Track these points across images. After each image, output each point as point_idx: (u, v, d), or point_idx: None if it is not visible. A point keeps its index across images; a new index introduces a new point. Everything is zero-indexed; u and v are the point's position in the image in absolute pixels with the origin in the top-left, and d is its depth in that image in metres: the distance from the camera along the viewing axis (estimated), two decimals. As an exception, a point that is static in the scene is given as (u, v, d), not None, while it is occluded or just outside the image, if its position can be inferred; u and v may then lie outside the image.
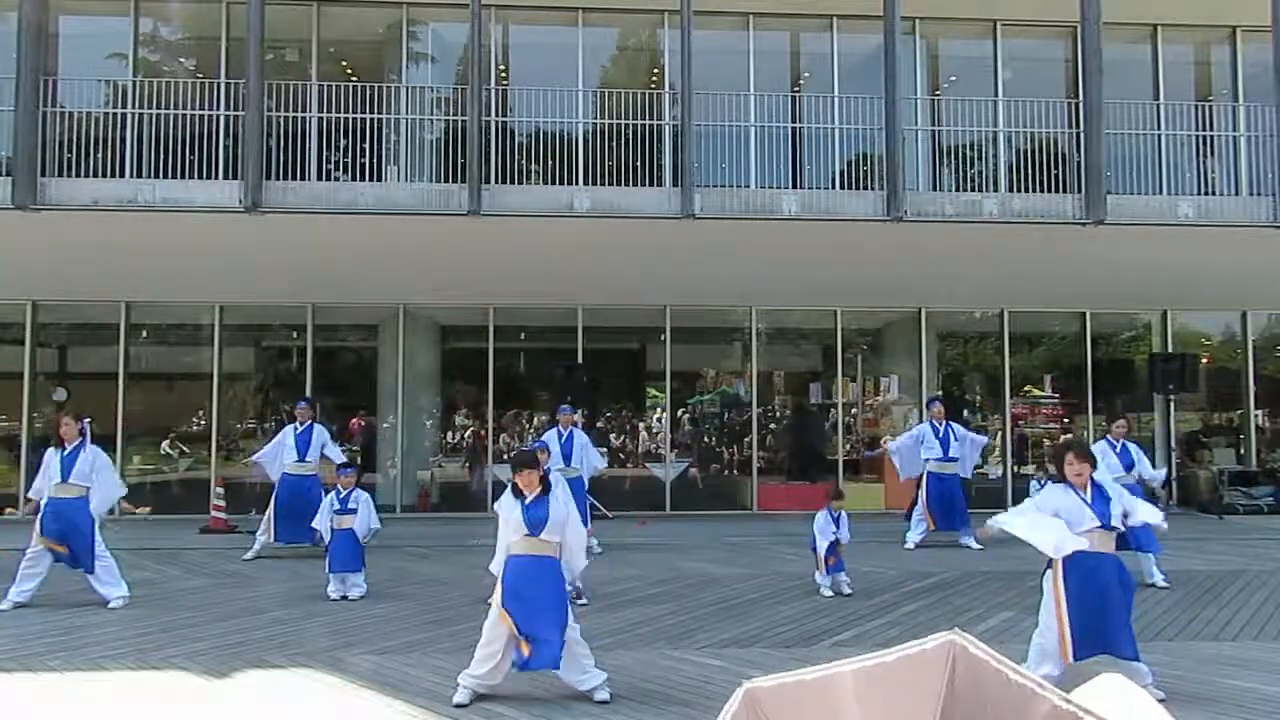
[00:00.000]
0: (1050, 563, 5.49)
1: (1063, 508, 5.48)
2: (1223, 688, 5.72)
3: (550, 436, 10.44)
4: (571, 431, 10.72)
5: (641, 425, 16.28)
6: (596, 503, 13.72)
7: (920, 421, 12.61)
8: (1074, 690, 1.46)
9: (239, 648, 6.64)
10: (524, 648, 5.24)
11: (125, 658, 6.38)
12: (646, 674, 5.96)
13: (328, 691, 5.67)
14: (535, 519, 5.48)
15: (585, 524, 10.58)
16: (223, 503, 12.61)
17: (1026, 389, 16.15)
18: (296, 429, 10.68)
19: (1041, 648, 5.48)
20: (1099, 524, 5.44)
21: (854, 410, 15.75)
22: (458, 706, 5.29)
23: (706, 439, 16.20)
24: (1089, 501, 5.49)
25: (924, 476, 11.38)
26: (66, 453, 7.99)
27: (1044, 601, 5.53)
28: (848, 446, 15.36)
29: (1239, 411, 16.28)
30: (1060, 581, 5.40)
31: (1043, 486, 6.03)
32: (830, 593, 8.46)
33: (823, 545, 8.46)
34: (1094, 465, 5.65)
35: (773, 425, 15.98)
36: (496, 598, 5.43)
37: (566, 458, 10.33)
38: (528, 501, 5.52)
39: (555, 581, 5.49)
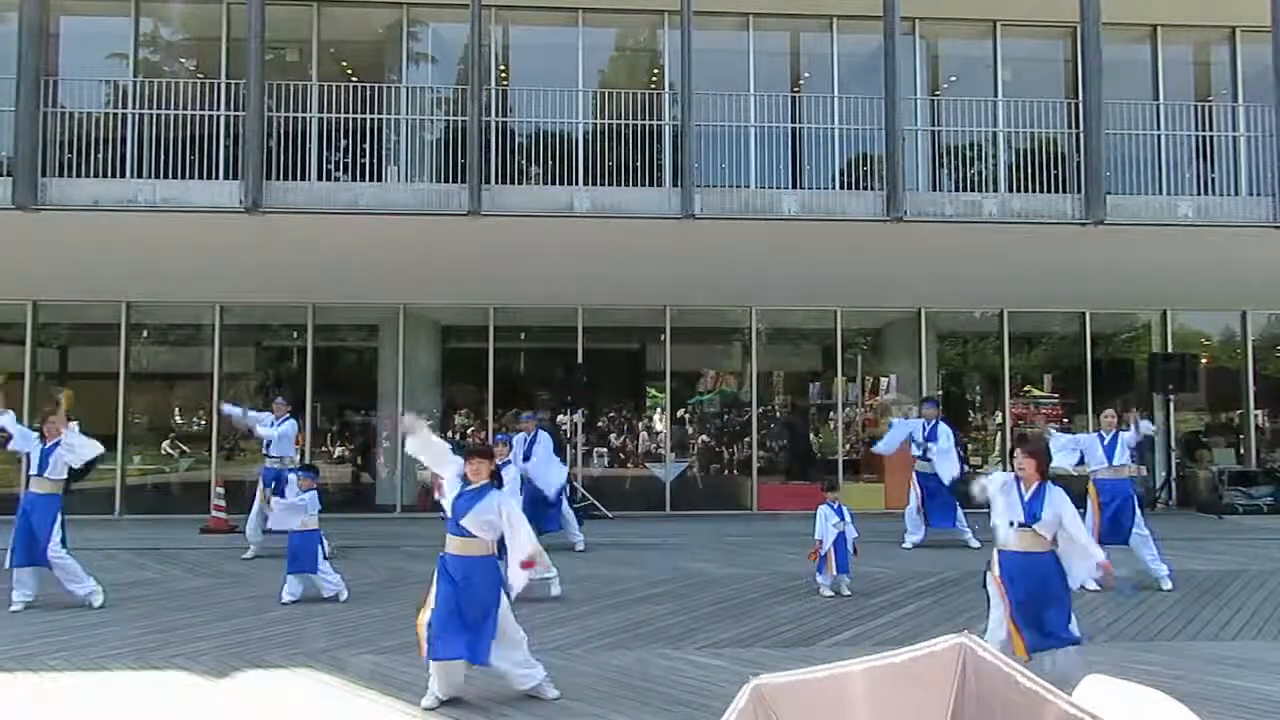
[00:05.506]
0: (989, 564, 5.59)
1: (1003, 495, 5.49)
2: (1223, 688, 5.73)
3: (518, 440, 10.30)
4: (536, 433, 10.62)
5: (642, 425, 16.28)
6: (597, 503, 13.75)
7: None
8: (1077, 693, 1.45)
9: (239, 648, 6.64)
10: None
11: (125, 658, 6.39)
12: (646, 674, 5.96)
13: (328, 691, 5.68)
14: (459, 509, 5.32)
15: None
16: (223, 503, 12.62)
17: (1026, 389, 16.14)
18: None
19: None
20: (1023, 520, 5.40)
21: (854, 410, 15.74)
22: (427, 710, 5.28)
23: (706, 439, 16.20)
24: (1024, 499, 5.44)
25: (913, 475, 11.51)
26: (47, 447, 8.14)
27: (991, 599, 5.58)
28: (847, 446, 15.36)
29: (1239, 411, 16.28)
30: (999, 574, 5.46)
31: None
32: (830, 593, 8.47)
33: (830, 536, 8.41)
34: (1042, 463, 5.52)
35: (772, 425, 15.97)
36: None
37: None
38: (467, 490, 5.36)
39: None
